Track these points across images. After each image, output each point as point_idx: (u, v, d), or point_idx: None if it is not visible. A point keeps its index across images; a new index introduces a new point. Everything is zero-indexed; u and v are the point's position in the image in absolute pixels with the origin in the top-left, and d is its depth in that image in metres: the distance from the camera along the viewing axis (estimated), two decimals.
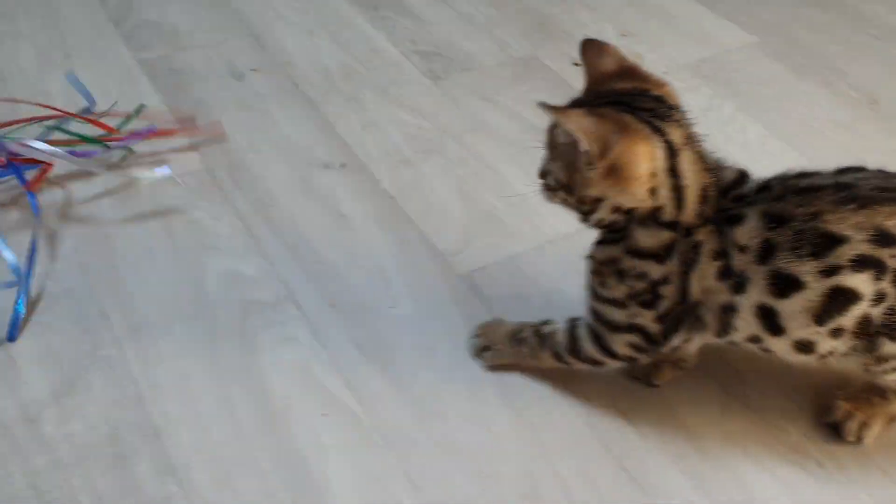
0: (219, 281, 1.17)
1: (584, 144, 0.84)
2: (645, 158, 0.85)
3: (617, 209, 0.88)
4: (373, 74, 1.55)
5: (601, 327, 0.95)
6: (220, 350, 1.08)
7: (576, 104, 0.90)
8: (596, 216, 0.90)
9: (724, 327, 0.90)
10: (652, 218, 0.88)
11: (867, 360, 0.89)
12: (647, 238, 0.88)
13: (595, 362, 0.98)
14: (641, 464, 0.97)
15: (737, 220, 0.87)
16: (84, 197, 1.30)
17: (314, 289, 1.16)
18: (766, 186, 0.90)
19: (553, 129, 0.91)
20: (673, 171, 0.87)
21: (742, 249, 0.86)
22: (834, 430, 0.99)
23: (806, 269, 0.84)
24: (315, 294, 1.16)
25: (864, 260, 0.83)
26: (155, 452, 0.97)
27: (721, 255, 0.87)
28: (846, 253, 0.83)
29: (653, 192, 0.86)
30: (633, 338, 0.93)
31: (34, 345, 1.09)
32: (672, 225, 0.88)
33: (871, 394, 0.97)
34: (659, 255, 0.88)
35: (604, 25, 1.66)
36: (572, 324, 0.99)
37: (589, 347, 0.97)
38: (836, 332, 0.86)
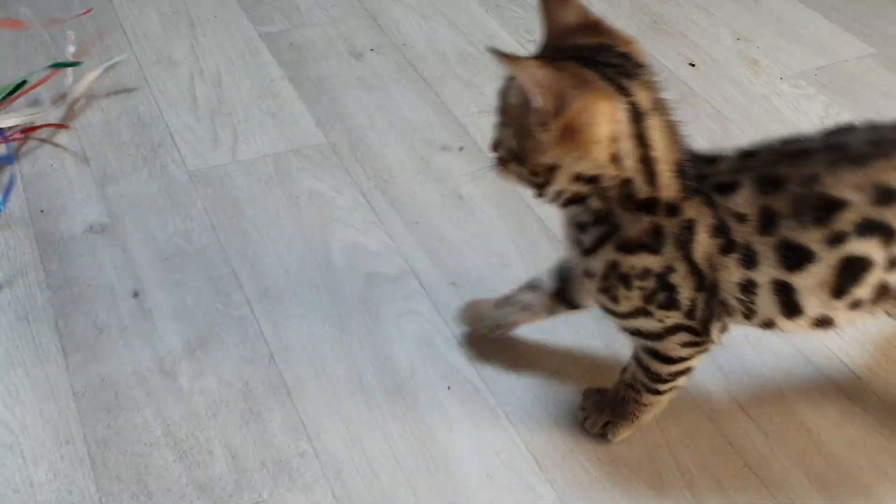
0: (343, 252, 1.20)
1: (538, 100, 0.74)
2: (605, 119, 0.76)
3: (577, 178, 0.79)
4: (489, 60, 1.56)
5: (648, 342, 0.88)
6: (347, 318, 1.11)
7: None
8: (553, 188, 0.80)
9: (749, 309, 0.83)
10: (627, 196, 0.80)
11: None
12: (632, 225, 0.81)
13: (677, 374, 0.91)
14: (764, 462, 0.97)
15: (728, 187, 0.80)
16: (210, 161, 1.34)
17: (434, 266, 1.19)
18: (750, 153, 0.84)
19: (505, 90, 0.81)
20: (640, 139, 0.78)
21: (741, 218, 0.80)
22: None
23: (813, 238, 0.78)
24: (435, 272, 1.18)
25: (869, 224, 0.78)
26: (287, 411, 1.01)
27: (719, 229, 0.80)
28: (849, 218, 0.78)
29: (615, 159, 0.78)
30: (681, 336, 0.86)
31: (168, 299, 1.13)
32: (651, 205, 0.80)
33: None
34: (649, 245, 0.81)
35: (719, 28, 1.65)
36: (634, 355, 0.93)
37: (658, 366, 0.90)
38: (855, 305, 0.82)
